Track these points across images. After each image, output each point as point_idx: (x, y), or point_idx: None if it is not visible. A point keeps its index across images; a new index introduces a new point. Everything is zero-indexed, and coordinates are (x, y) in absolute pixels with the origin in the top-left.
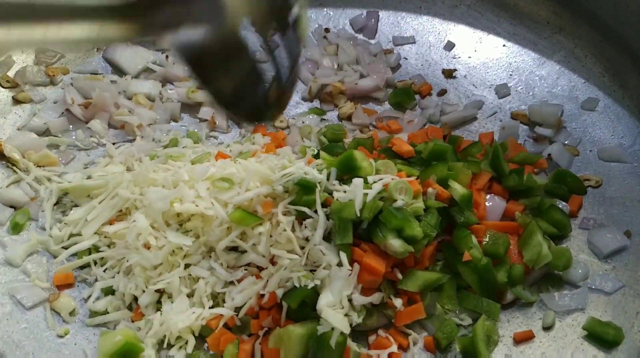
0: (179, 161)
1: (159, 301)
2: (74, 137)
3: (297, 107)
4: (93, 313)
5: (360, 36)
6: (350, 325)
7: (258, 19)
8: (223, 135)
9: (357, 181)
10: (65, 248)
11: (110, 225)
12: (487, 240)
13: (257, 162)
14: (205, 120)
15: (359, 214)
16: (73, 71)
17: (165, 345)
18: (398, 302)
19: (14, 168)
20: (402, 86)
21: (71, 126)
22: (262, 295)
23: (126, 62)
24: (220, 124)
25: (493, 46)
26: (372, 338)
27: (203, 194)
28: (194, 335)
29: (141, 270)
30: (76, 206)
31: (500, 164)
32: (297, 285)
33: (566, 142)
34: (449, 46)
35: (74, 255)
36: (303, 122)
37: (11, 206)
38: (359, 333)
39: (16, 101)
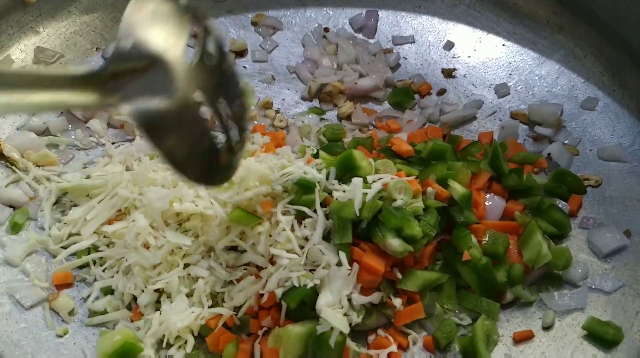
0: None
1: (158, 301)
2: (73, 136)
3: (296, 106)
4: (92, 313)
5: (359, 36)
6: (350, 324)
7: (208, 91)
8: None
9: (357, 181)
10: (65, 247)
11: (110, 224)
12: (486, 239)
13: (257, 161)
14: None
15: (358, 214)
16: None
17: (164, 345)
18: (397, 302)
19: (13, 167)
20: (402, 86)
21: (70, 126)
22: (262, 295)
23: None
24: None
25: (492, 45)
26: (371, 337)
27: (202, 194)
28: (193, 334)
29: (140, 269)
30: (75, 205)
31: (499, 163)
32: (297, 285)
33: (566, 141)
34: (449, 46)
35: (73, 254)
36: (302, 121)
37: (10, 206)
38: (358, 333)
39: None
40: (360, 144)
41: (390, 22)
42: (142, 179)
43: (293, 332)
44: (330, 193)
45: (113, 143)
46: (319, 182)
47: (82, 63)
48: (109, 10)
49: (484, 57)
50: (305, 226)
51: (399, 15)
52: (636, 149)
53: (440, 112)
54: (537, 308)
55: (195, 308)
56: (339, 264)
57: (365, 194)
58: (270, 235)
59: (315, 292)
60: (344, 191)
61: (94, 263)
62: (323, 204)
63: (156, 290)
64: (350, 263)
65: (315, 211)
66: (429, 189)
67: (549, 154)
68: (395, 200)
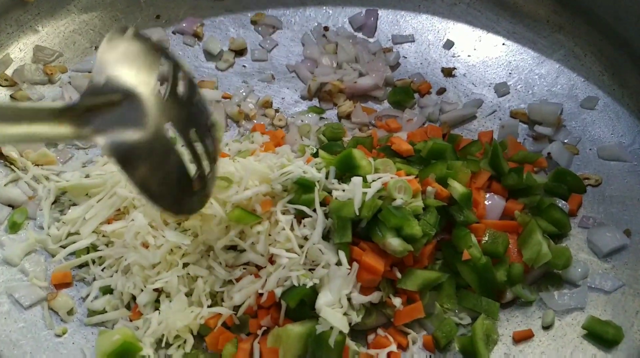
0: None
1: (157, 301)
2: None
3: (296, 105)
4: (91, 312)
5: (359, 35)
6: (349, 324)
7: (179, 123)
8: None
9: (356, 180)
10: (64, 247)
11: (109, 223)
12: (486, 238)
13: (256, 161)
14: None
15: (358, 213)
16: (71, 69)
17: (163, 344)
18: (397, 301)
19: (12, 166)
20: (402, 85)
21: None
22: (261, 294)
23: None
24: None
25: (492, 44)
26: (371, 337)
27: None
28: (192, 334)
29: (139, 269)
30: (74, 205)
31: (499, 163)
32: (296, 284)
33: (566, 141)
34: (448, 45)
35: (72, 253)
36: (302, 121)
37: (9, 205)
38: (358, 333)
39: (14, 100)
40: (359, 144)
41: (390, 21)
42: None
43: (292, 331)
44: (329, 192)
45: None
46: (318, 181)
47: (81, 62)
48: (108, 9)
49: (483, 57)
50: (304, 226)
51: (399, 14)
52: (636, 148)
53: (440, 112)
54: (537, 307)
55: (194, 308)
56: (339, 263)
57: (364, 193)
58: (269, 234)
59: (314, 292)
60: (344, 191)
61: (93, 262)
62: (323, 204)
63: (155, 290)
64: (350, 263)
65: (314, 210)
66: (429, 188)
67: (548, 153)
68: (395, 199)
